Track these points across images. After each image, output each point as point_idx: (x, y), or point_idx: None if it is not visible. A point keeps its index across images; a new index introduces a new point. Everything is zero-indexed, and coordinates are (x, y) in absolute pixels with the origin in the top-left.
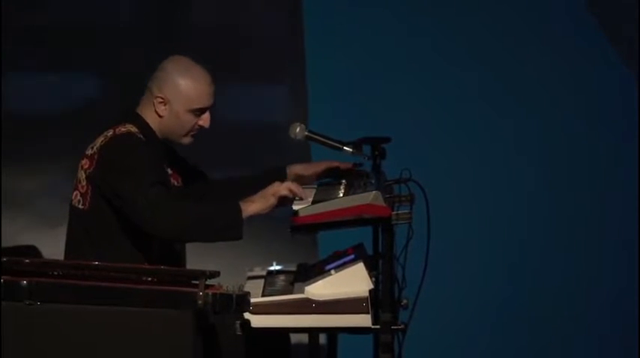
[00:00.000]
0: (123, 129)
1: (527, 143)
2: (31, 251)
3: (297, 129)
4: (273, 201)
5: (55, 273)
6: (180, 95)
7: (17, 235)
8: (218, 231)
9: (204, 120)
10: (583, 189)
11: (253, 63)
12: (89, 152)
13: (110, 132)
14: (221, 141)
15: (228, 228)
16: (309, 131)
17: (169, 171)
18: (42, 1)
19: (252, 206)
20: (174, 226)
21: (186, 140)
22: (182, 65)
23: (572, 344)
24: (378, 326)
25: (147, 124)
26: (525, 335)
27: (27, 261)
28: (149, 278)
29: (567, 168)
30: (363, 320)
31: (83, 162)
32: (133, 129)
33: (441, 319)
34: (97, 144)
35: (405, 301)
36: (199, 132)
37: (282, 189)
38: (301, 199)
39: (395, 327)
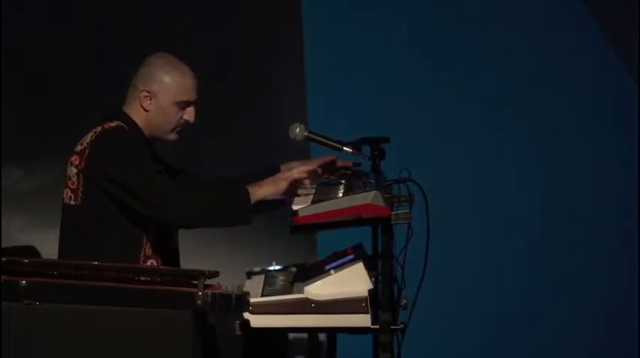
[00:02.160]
0: (112, 124)
1: (526, 143)
2: (31, 251)
3: (297, 130)
4: (284, 184)
5: (55, 273)
6: (166, 88)
7: (17, 235)
8: (226, 215)
9: (189, 114)
10: (582, 189)
11: (253, 63)
12: (78, 148)
13: (99, 128)
14: (221, 141)
15: (236, 212)
16: (309, 131)
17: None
18: (40, 4)
19: (261, 189)
20: (184, 212)
21: (172, 136)
22: (167, 60)
23: (571, 344)
24: (377, 326)
25: (133, 121)
26: (524, 334)
27: (27, 261)
28: (149, 278)
29: (566, 168)
30: (363, 320)
31: (73, 158)
32: (121, 124)
33: (441, 319)
34: (87, 140)
35: (404, 301)
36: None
37: (294, 173)
38: (309, 186)
39: (394, 327)
